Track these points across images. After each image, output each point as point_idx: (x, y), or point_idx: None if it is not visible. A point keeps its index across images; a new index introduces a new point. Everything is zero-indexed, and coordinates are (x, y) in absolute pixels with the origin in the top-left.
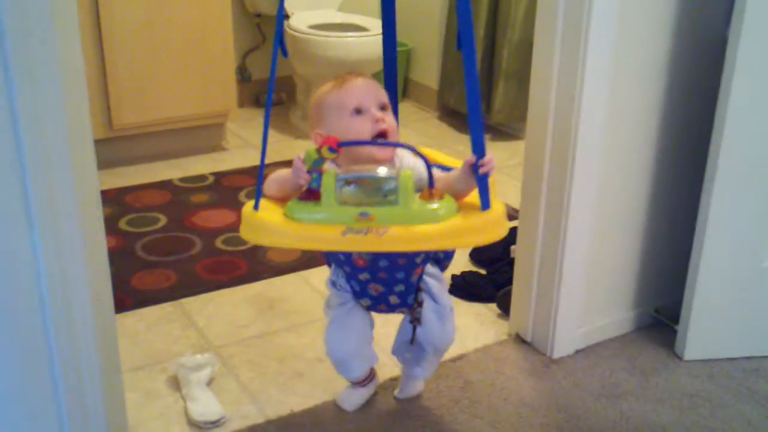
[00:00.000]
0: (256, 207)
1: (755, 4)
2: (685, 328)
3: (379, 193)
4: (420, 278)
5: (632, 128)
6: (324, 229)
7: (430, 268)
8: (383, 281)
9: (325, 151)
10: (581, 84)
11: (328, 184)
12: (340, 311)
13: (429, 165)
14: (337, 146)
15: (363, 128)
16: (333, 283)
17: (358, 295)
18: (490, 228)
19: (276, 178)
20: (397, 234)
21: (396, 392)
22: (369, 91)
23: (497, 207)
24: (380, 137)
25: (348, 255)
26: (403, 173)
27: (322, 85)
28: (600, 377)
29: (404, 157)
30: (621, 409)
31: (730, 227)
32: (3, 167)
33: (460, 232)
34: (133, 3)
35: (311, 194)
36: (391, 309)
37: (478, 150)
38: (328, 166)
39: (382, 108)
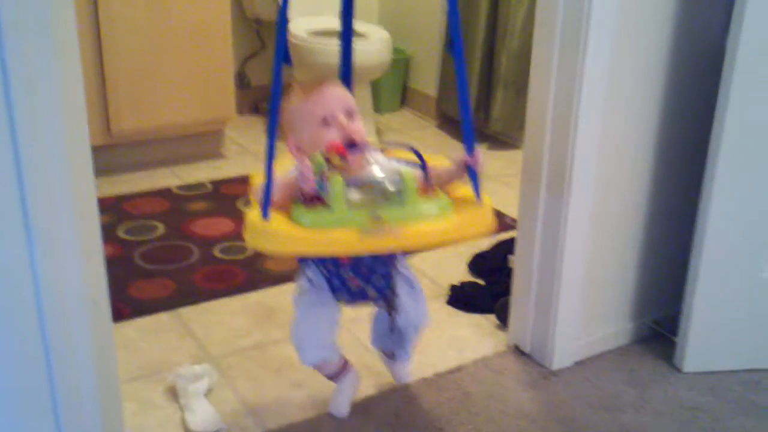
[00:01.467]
0: (265, 215)
1: (753, 12)
2: (684, 340)
3: (385, 194)
4: (396, 269)
5: (630, 138)
6: (341, 233)
7: (401, 257)
8: (363, 276)
9: (333, 157)
10: (579, 93)
11: (338, 189)
12: (315, 298)
13: (424, 163)
14: (346, 152)
15: (331, 138)
16: (309, 281)
17: (337, 290)
18: (488, 219)
19: (277, 185)
20: (407, 232)
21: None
22: (335, 100)
23: (487, 200)
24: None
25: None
26: (406, 173)
27: (290, 96)
28: (599, 389)
29: (379, 160)
30: (620, 421)
31: (728, 238)
32: (0, 173)
33: (464, 225)
34: (132, 9)
35: (314, 200)
36: (367, 301)
37: (470, 148)
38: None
39: (350, 115)
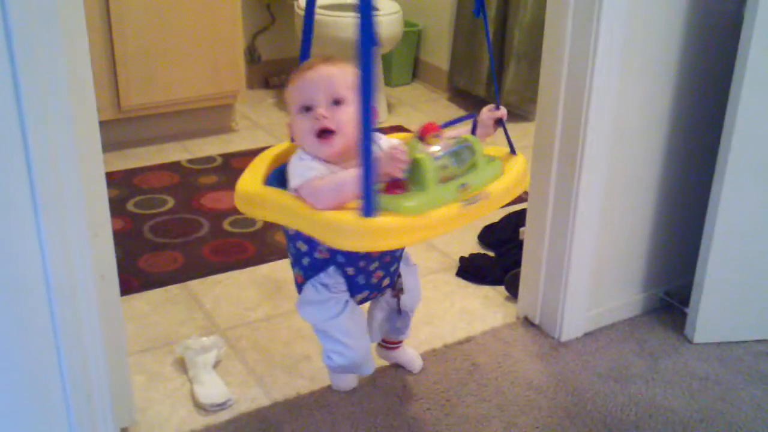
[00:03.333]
0: (371, 213)
1: None
2: (695, 311)
3: (464, 162)
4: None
5: (643, 110)
6: (446, 210)
7: None
8: (386, 265)
9: (431, 138)
10: (592, 65)
11: (430, 167)
12: (344, 316)
13: (475, 125)
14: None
15: (306, 126)
16: (326, 287)
17: (359, 289)
18: (527, 171)
19: (335, 185)
20: (496, 193)
21: (412, 370)
22: (319, 86)
23: (518, 152)
24: (325, 133)
25: (353, 254)
26: (472, 139)
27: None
28: (609, 360)
29: (379, 139)
30: (630, 392)
31: (741, 209)
32: (6, 148)
33: (520, 178)
34: None
35: (395, 185)
36: (380, 292)
37: (498, 103)
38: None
39: (337, 102)
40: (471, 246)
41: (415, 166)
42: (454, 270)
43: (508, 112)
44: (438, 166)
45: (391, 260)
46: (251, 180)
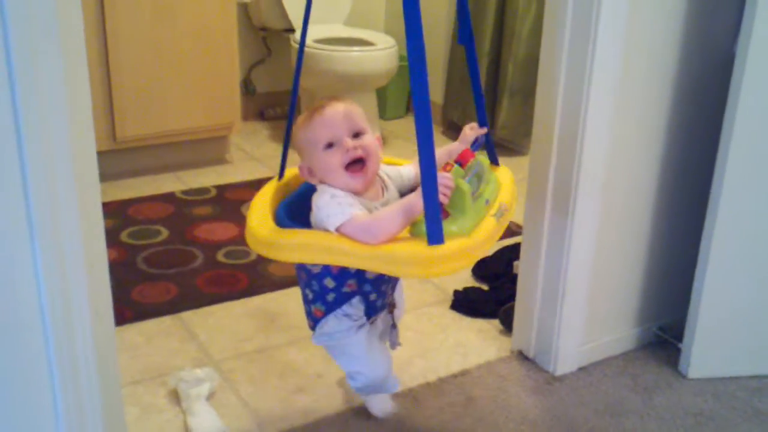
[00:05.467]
0: (440, 240)
1: (764, 19)
2: (689, 346)
3: (482, 181)
4: None
5: (638, 145)
6: (485, 227)
7: None
8: (393, 284)
9: (471, 164)
10: (587, 101)
11: (467, 191)
12: (362, 335)
13: (490, 140)
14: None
15: (335, 160)
16: (348, 317)
17: (375, 311)
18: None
19: (389, 218)
20: (509, 203)
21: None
22: (338, 122)
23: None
24: (355, 164)
25: (379, 280)
26: (482, 158)
27: (298, 120)
28: (603, 395)
29: (384, 168)
30: (624, 427)
31: (734, 244)
32: (5, 178)
33: (513, 188)
34: (138, 15)
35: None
36: (386, 310)
37: (484, 119)
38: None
39: (356, 134)
40: (465, 279)
41: (455, 191)
42: (449, 303)
43: (502, 146)
44: (472, 188)
45: (393, 279)
46: (264, 222)
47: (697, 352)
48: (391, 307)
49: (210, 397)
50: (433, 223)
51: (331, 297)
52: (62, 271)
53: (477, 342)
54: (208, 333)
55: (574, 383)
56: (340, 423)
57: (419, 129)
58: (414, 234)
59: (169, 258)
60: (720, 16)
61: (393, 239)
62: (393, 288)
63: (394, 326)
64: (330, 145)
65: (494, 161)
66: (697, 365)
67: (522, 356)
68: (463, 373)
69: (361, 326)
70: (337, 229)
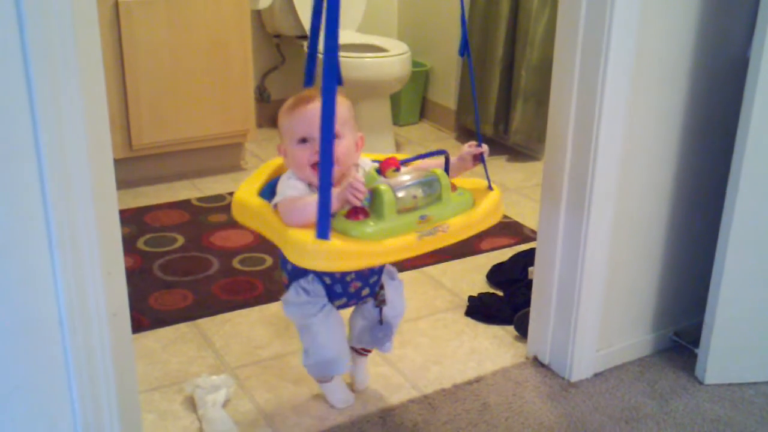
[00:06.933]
0: (324, 236)
1: None
2: (705, 352)
3: (433, 192)
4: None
5: (652, 149)
6: (401, 239)
7: None
8: (364, 277)
9: (390, 173)
10: (601, 105)
11: (388, 198)
12: (320, 317)
13: (447, 161)
14: (400, 165)
15: (304, 156)
16: (305, 291)
17: (337, 296)
18: (502, 204)
19: (302, 206)
20: (455, 226)
21: (356, 387)
22: (316, 121)
23: (495, 187)
24: (316, 165)
25: None
26: (439, 173)
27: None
28: (619, 401)
29: (365, 165)
30: None
31: (751, 248)
32: (24, 187)
33: (490, 213)
34: (153, 24)
35: (358, 212)
36: (360, 301)
37: (480, 139)
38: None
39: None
40: (480, 285)
41: (376, 196)
42: (463, 309)
43: (516, 151)
44: (401, 197)
45: (370, 273)
46: (247, 190)
47: (713, 357)
48: (378, 302)
49: (226, 403)
50: (322, 219)
51: (289, 266)
52: (80, 279)
53: (492, 348)
54: (224, 340)
55: (590, 389)
56: (354, 430)
57: (322, 124)
58: (335, 228)
59: (186, 265)
60: (733, 20)
61: (307, 227)
62: (363, 280)
63: (381, 322)
64: (303, 140)
65: (489, 181)
66: (714, 371)
67: (537, 362)
68: (479, 380)
69: (322, 306)
70: (275, 205)
